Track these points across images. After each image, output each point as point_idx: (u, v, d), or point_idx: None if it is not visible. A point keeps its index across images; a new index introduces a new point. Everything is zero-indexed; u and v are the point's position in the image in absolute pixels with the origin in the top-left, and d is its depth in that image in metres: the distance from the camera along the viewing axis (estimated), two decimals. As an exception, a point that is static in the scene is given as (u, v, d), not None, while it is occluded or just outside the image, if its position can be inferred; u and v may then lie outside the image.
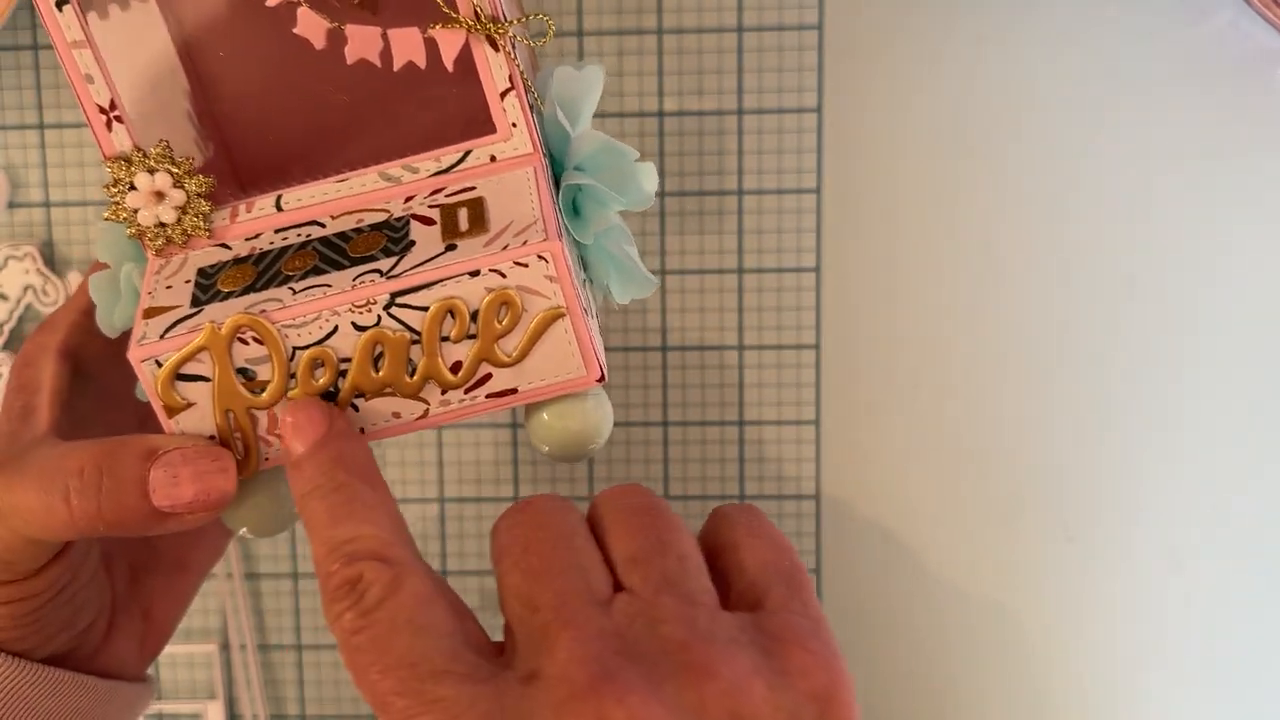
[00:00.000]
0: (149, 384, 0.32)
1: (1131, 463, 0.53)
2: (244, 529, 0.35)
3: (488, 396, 0.33)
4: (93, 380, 0.39)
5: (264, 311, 0.32)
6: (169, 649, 0.56)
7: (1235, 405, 0.53)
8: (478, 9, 0.33)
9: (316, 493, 0.32)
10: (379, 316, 0.32)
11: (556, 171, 0.36)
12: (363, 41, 0.33)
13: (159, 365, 0.32)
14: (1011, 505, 0.54)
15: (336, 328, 0.32)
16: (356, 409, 0.33)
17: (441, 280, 0.32)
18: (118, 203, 0.35)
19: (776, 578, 0.32)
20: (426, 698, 0.28)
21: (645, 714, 0.27)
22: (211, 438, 0.33)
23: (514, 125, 0.34)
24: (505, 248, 0.31)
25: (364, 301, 0.32)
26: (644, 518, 0.32)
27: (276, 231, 0.35)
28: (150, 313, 0.33)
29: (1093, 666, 0.54)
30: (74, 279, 0.53)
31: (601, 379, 0.34)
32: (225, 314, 0.32)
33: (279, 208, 0.35)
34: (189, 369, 0.32)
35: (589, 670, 0.27)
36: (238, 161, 0.36)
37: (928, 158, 0.52)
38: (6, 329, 0.53)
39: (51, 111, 0.53)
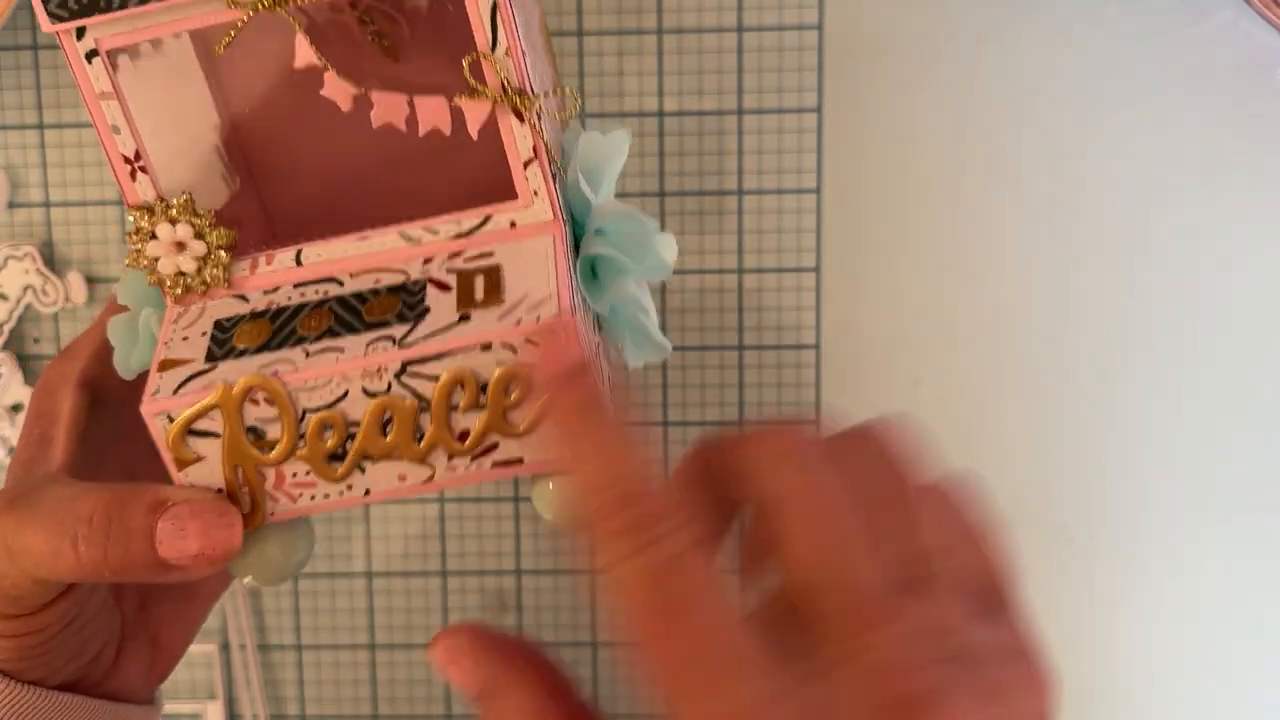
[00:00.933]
0: (160, 437, 0.33)
1: (1131, 463, 0.53)
2: (249, 578, 0.35)
3: (494, 465, 0.33)
4: (110, 410, 0.39)
5: (276, 373, 0.32)
6: (169, 649, 0.56)
7: (1236, 405, 0.53)
8: (505, 81, 0.33)
9: (596, 409, 0.28)
10: (389, 384, 0.32)
11: (577, 235, 0.36)
12: (388, 107, 0.34)
13: (170, 420, 0.32)
14: (1011, 505, 0.54)
15: (347, 392, 0.32)
16: (363, 471, 0.33)
17: (453, 352, 0.31)
18: (139, 250, 0.35)
19: (1007, 584, 0.30)
20: (720, 681, 0.25)
21: None
22: (220, 490, 0.33)
23: (535, 193, 0.34)
24: (518, 322, 0.31)
25: (376, 368, 0.32)
26: (907, 504, 0.29)
27: (295, 286, 0.35)
28: (165, 365, 0.33)
29: (1092, 666, 0.54)
30: (74, 279, 0.53)
31: None
32: (238, 373, 0.32)
33: (298, 262, 0.35)
34: (200, 425, 0.32)
35: (911, 683, 0.24)
36: (267, 204, 0.36)
37: (928, 158, 0.52)
38: (6, 329, 0.53)
39: (51, 111, 0.53)
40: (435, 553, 0.55)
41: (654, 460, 0.27)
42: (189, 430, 0.32)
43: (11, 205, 0.53)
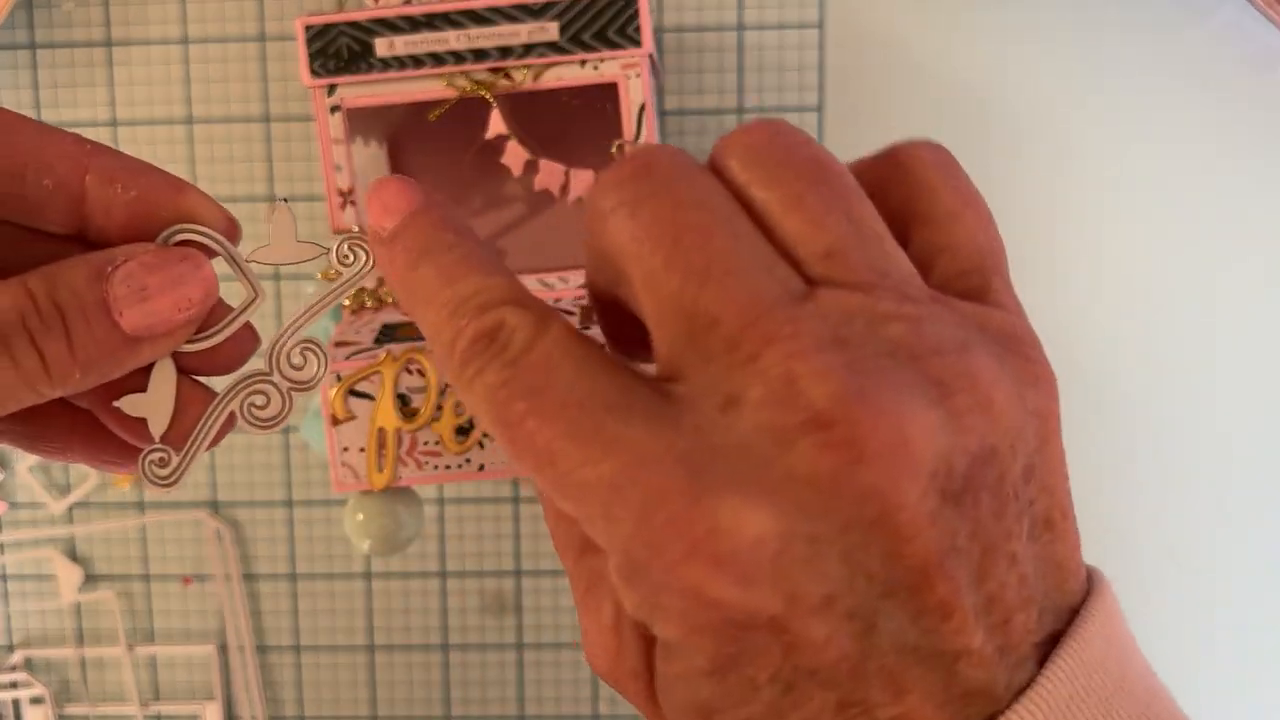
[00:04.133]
0: (326, 394, 0.39)
1: (1132, 463, 0.53)
2: (367, 544, 0.40)
3: None
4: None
5: (430, 350, 0.38)
6: (168, 649, 0.56)
7: (1235, 404, 0.53)
8: None
9: (425, 258, 0.25)
10: None
11: None
12: (549, 174, 0.43)
13: (339, 379, 0.39)
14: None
15: None
16: (482, 446, 0.39)
17: None
18: (336, 268, 0.40)
19: (994, 266, 0.26)
20: (605, 437, 0.21)
21: (917, 433, 0.20)
22: (362, 450, 0.40)
23: None
24: None
25: None
26: (822, 187, 0.24)
27: None
28: (340, 344, 0.40)
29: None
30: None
31: None
32: (400, 349, 0.39)
33: None
34: (361, 387, 0.39)
35: (827, 388, 0.20)
36: None
37: (928, 157, 0.52)
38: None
39: (49, 111, 0.53)
40: (434, 553, 0.55)
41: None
42: (351, 390, 0.39)
43: (9, 205, 0.53)
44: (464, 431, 0.39)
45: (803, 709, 0.21)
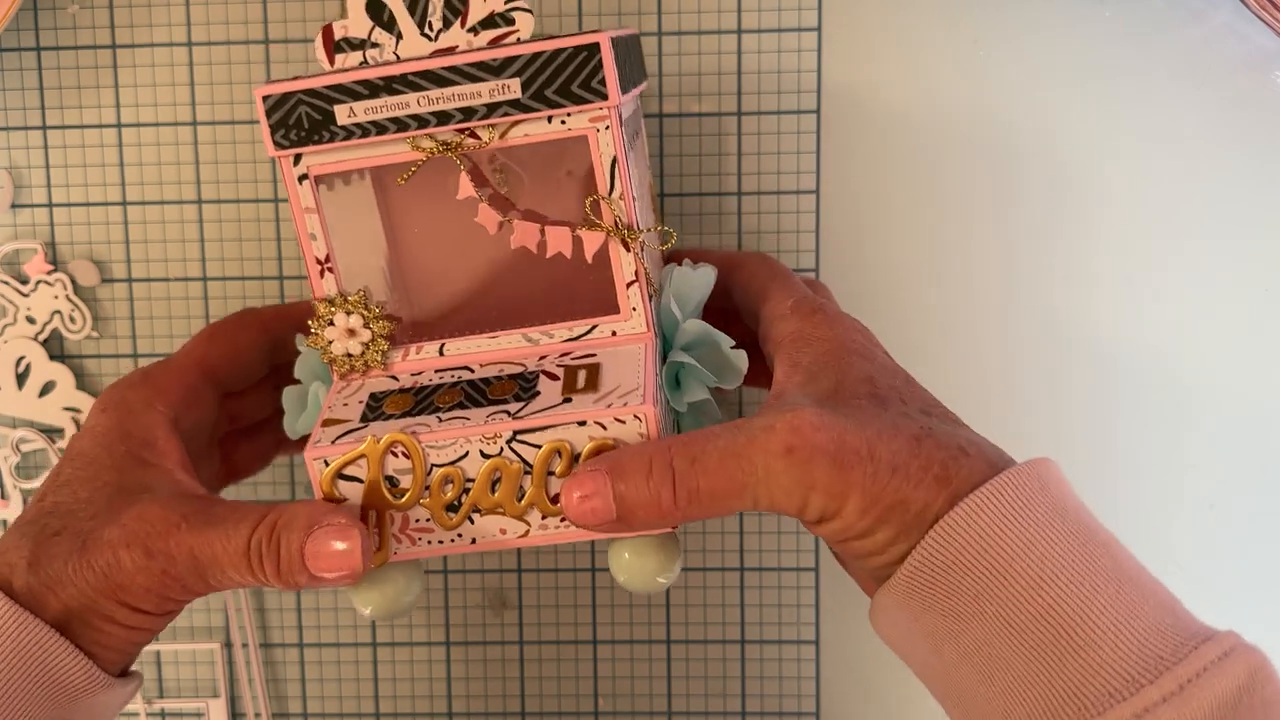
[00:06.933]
0: (315, 478, 0.40)
1: (1131, 462, 0.53)
2: (369, 609, 0.41)
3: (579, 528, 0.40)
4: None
5: (414, 432, 0.39)
6: (172, 647, 0.56)
7: (1235, 404, 0.53)
8: (618, 219, 0.41)
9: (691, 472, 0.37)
10: (501, 448, 0.39)
11: (665, 349, 0.43)
12: (524, 232, 0.42)
13: (326, 464, 0.39)
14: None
15: (468, 453, 0.39)
16: (472, 521, 0.40)
17: (554, 425, 0.39)
18: (317, 333, 0.43)
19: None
20: None
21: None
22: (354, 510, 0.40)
23: (634, 309, 0.42)
24: (609, 405, 0.39)
25: (492, 434, 0.39)
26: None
27: (436, 371, 0.43)
28: (328, 423, 0.41)
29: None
30: (80, 265, 0.53)
31: (675, 526, 0.39)
32: (384, 431, 0.39)
33: (441, 353, 0.44)
34: (349, 471, 0.39)
35: (818, 300, 0.43)
36: (414, 308, 0.46)
37: (926, 158, 0.52)
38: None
39: (54, 113, 0.53)
40: (436, 551, 0.56)
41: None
42: (340, 474, 0.39)
43: (15, 206, 0.54)
44: (453, 508, 0.40)
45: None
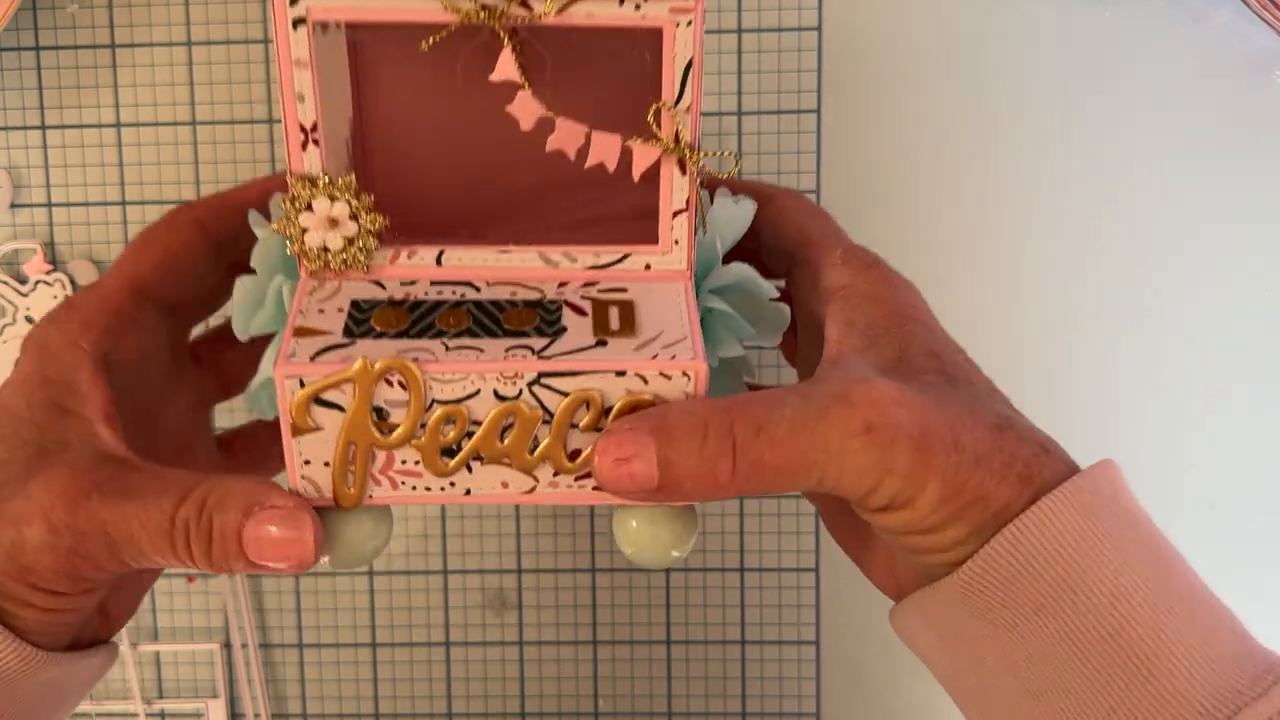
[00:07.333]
0: (285, 400, 0.33)
1: (1131, 462, 0.53)
2: (325, 559, 0.35)
3: (594, 489, 0.34)
4: (118, 389, 0.37)
5: (417, 360, 0.33)
6: (172, 647, 0.56)
7: (1235, 403, 0.53)
8: (679, 134, 0.35)
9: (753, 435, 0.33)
10: (521, 390, 0.33)
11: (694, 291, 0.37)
12: (567, 134, 0.34)
13: (301, 385, 0.33)
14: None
15: (479, 391, 0.33)
16: (470, 470, 0.34)
17: (589, 372, 0.33)
18: (289, 218, 0.36)
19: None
20: None
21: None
22: (327, 464, 0.34)
23: (676, 242, 0.36)
24: (654, 356, 0.33)
25: (513, 374, 0.33)
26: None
27: (432, 284, 0.36)
28: (301, 332, 0.34)
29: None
30: (80, 266, 0.53)
31: None
32: (378, 353, 0.33)
33: (439, 262, 0.36)
34: (329, 396, 0.33)
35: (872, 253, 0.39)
36: (380, 200, 0.37)
37: (927, 158, 0.52)
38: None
39: (53, 113, 0.53)
40: (436, 551, 0.56)
41: None
42: (316, 399, 0.33)
43: (14, 206, 0.54)
44: (450, 453, 0.34)
45: None
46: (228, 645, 0.56)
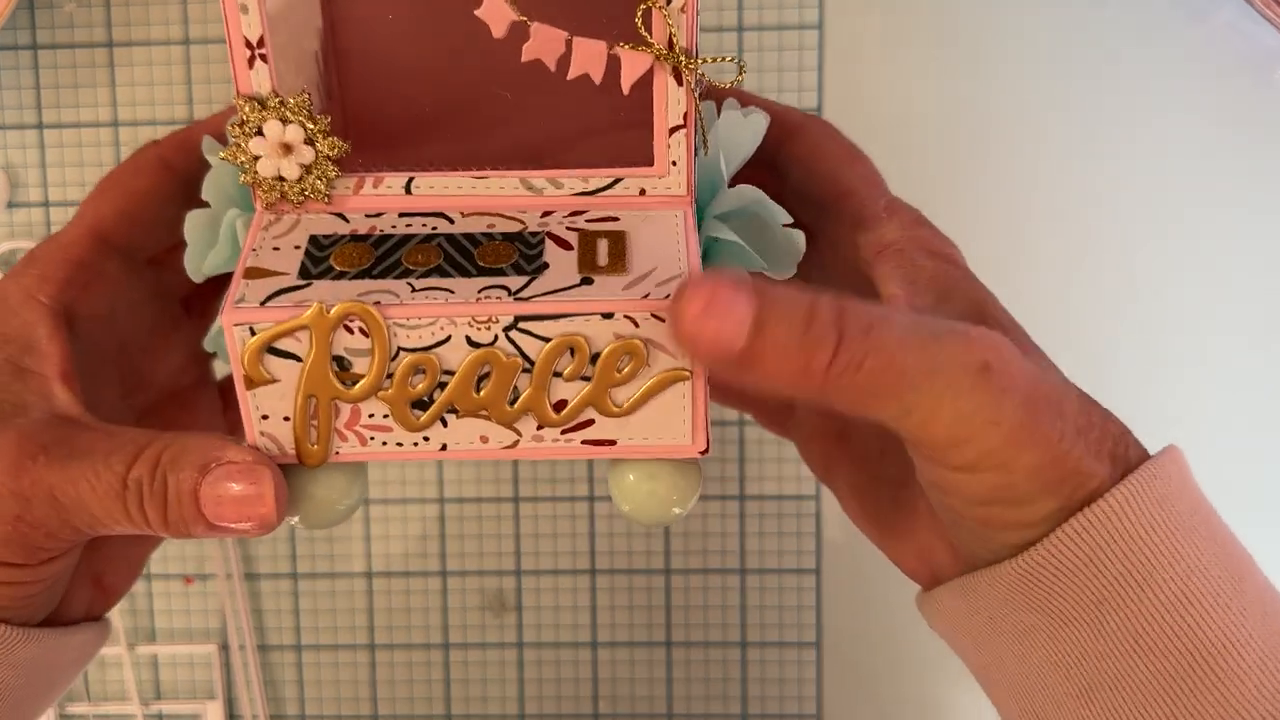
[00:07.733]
0: (235, 351, 0.30)
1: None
2: (295, 519, 0.32)
3: (584, 442, 0.31)
4: (80, 345, 0.35)
5: (378, 303, 0.29)
6: (169, 649, 0.56)
7: (1235, 402, 0.53)
8: (673, 38, 0.31)
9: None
10: (496, 336, 0.30)
11: (697, 217, 0.34)
12: (544, 42, 0.30)
13: (252, 333, 0.30)
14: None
15: (450, 337, 0.30)
16: (445, 424, 0.31)
17: (572, 315, 0.30)
18: (239, 144, 0.32)
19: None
20: None
21: None
22: (286, 419, 0.31)
23: (674, 163, 0.32)
24: (646, 296, 0.30)
25: (486, 318, 0.30)
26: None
27: (400, 215, 0.33)
28: (253, 273, 0.31)
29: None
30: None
31: (705, 451, 0.32)
32: (336, 296, 0.30)
33: (408, 190, 0.33)
34: (283, 345, 0.30)
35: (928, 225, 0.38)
36: (350, 122, 0.34)
37: (927, 158, 0.52)
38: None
39: (51, 112, 0.53)
40: (435, 553, 0.55)
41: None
42: (269, 348, 0.30)
43: (11, 205, 0.54)
44: (421, 405, 0.30)
45: None
46: (225, 646, 0.56)
